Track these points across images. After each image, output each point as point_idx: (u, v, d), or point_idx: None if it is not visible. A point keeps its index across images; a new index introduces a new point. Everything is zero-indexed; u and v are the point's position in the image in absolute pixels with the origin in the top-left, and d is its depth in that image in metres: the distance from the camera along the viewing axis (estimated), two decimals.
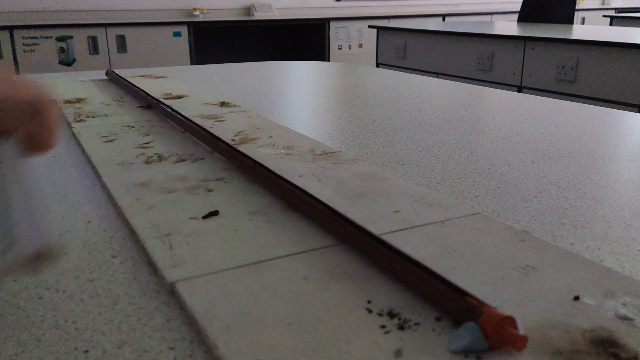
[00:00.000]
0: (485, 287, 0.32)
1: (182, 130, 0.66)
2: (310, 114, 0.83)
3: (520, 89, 2.18)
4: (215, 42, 4.44)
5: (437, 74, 2.56)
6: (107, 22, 3.63)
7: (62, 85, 1.01)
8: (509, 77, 2.24)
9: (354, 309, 0.29)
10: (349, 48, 4.39)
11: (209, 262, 0.34)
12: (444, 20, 4.70)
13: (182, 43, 3.79)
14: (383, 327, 0.28)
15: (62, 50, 3.46)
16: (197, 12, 4.18)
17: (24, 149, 0.28)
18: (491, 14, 5.05)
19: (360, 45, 4.41)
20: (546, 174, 0.53)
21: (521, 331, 0.26)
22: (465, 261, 0.35)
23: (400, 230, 0.39)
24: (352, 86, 1.08)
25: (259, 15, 4.34)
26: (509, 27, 2.76)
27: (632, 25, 3.46)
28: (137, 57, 3.66)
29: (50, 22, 3.52)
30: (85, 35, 3.51)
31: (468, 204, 0.46)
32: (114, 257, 0.37)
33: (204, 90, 0.99)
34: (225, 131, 0.67)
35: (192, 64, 3.81)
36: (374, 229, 0.39)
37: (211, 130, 0.61)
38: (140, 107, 0.81)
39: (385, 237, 0.38)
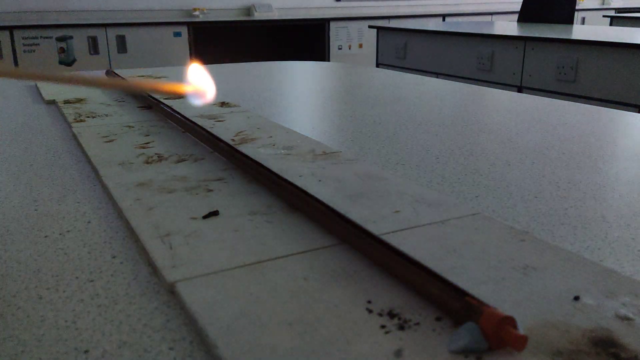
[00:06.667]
0: (485, 287, 0.32)
1: (182, 130, 0.66)
2: (310, 114, 0.83)
3: (520, 89, 2.18)
4: (215, 42, 4.45)
5: (437, 74, 2.56)
6: (107, 22, 3.63)
7: (62, 85, 1.01)
8: (509, 77, 2.24)
9: (354, 309, 0.29)
10: (349, 48, 4.39)
11: (209, 262, 0.34)
12: (444, 20, 4.70)
13: (182, 43, 3.79)
14: (383, 327, 0.28)
15: (62, 50, 3.46)
16: (197, 12, 4.18)
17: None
18: (491, 14, 5.05)
19: (360, 46, 4.42)
20: (546, 174, 0.53)
21: (521, 331, 0.26)
22: (465, 261, 0.35)
23: (400, 230, 0.39)
24: (352, 86, 1.08)
25: (259, 16, 4.34)
26: (509, 27, 2.76)
27: (632, 25, 3.46)
28: (137, 57, 3.66)
29: (50, 22, 3.53)
30: (85, 35, 3.51)
31: (468, 204, 0.46)
32: (114, 257, 0.37)
33: None
34: (225, 131, 0.67)
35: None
36: (374, 229, 0.39)
37: (211, 130, 0.61)
38: (140, 107, 0.81)
39: (385, 237, 0.38)
